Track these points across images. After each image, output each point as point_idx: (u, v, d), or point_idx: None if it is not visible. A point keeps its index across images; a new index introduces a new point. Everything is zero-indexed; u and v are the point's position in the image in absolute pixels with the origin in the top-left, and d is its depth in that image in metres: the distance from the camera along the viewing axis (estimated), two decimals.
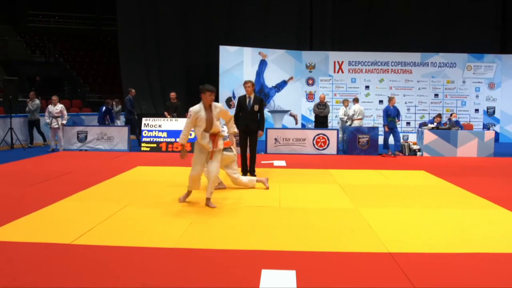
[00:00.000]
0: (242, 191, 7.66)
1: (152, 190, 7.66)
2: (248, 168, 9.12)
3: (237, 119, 9.03)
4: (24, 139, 14.59)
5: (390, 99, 13.62)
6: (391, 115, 13.32)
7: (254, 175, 9.01)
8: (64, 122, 13.56)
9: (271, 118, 17.86)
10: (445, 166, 10.89)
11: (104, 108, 16.16)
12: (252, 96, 8.93)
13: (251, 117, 8.84)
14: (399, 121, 13.80)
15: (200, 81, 20.32)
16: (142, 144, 13.76)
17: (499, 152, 13.66)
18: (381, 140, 13.77)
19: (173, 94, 14.62)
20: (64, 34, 29.41)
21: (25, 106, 15.22)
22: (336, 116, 17.94)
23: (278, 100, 18.38)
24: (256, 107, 8.84)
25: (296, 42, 20.06)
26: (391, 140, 13.56)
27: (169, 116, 14.16)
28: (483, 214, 6.30)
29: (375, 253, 4.56)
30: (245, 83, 9.04)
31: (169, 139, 13.63)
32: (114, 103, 17.20)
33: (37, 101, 14.69)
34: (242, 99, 9.01)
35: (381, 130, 13.94)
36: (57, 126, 13.39)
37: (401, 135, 14.12)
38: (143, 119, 14.12)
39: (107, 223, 5.55)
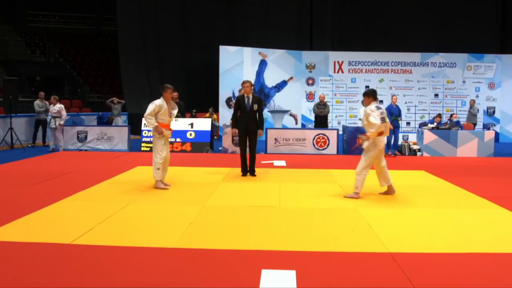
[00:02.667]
0: (242, 191, 7.66)
1: (152, 190, 7.65)
2: (248, 168, 9.15)
3: (236, 119, 9.05)
4: (26, 139, 14.58)
5: (392, 98, 13.69)
6: (393, 114, 13.26)
7: (254, 175, 9.07)
8: (62, 122, 13.51)
9: (271, 118, 17.86)
10: (445, 166, 10.89)
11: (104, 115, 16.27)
12: (251, 96, 8.98)
13: (250, 117, 8.90)
14: (401, 119, 13.77)
15: (200, 81, 20.36)
16: (142, 144, 13.75)
17: (499, 152, 13.66)
18: None
19: (175, 94, 14.60)
20: (64, 34, 29.41)
21: (25, 106, 15.22)
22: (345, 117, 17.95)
23: (278, 100, 18.39)
24: (255, 107, 8.91)
25: (296, 42, 20.08)
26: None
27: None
28: (483, 214, 6.30)
29: (375, 253, 4.56)
30: (244, 83, 9.08)
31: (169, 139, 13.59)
32: (116, 101, 17.19)
33: (47, 102, 14.82)
34: (240, 99, 9.04)
35: None
36: (54, 126, 13.37)
37: (400, 135, 14.08)
38: (143, 119, 14.09)
39: (107, 223, 5.55)
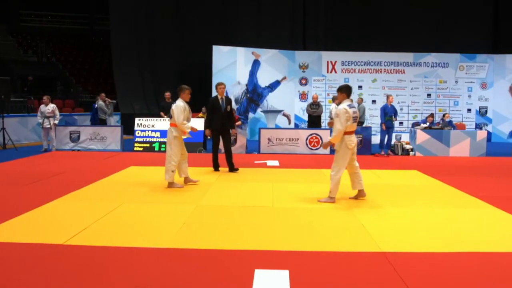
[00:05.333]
0: (235, 191, 7.66)
1: (145, 190, 7.64)
2: (219, 165, 9.70)
3: (210, 120, 9.50)
4: (18, 139, 14.51)
5: (388, 97, 13.61)
6: (388, 114, 13.26)
7: (235, 170, 9.56)
8: (56, 122, 13.51)
9: (264, 118, 17.87)
10: (437, 166, 10.93)
11: (96, 105, 16.26)
12: (224, 97, 9.43)
13: (225, 117, 9.37)
14: (396, 119, 13.74)
15: (194, 81, 20.36)
16: (135, 144, 13.71)
17: (491, 151, 13.73)
18: (374, 140, 13.77)
19: (168, 94, 14.61)
20: (57, 34, 29.28)
21: (18, 106, 15.14)
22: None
23: (271, 100, 18.39)
24: (229, 107, 9.41)
25: (289, 42, 20.07)
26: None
27: (166, 116, 14.13)
28: (475, 213, 6.34)
29: (368, 253, 4.58)
30: (220, 84, 9.49)
31: (162, 139, 13.58)
32: (108, 101, 17.15)
33: (101, 102, 15.59)
34: (215, 100, 9.45)
35: (374, 130, 13.95)
36: (49, 126, 13.33)
37: (393, 134, 14.08)
38: (136, 119, 14.10)
39: (100, 223, 5.54)
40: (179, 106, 7.76)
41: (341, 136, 6.59)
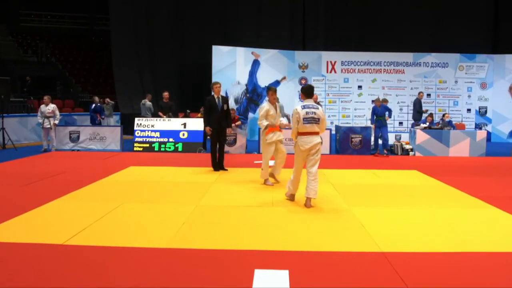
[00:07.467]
0: (235, 191, 7.66)
1: (145, 190, 7.64)
2: (218, 163, 9.73)
3: (208, 118, 9.52)
4: (17, 139, 14.51)
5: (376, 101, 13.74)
6: (377, 114, 13.27)
7: (226, 169, 9.73)
8: (57, 122, 13.49)
9: None
10: (437, 166, 10.93)
11: (93, 105, 16.26)
12: (220, 97, 9.55)
13: (222, 116, 9.46)
14: (389, 118, 13.64)
15: (193, 81, 20.23)
16: (135, 144, 13.70)
17: (491, 151, 13.72)
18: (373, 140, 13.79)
19: (166, 94, 14.58)
20: (57, 34, 29.25)
21: (17, 106, 15.14)
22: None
23: None
24: (225, 106, 9.50)
25: (289, 42, 20.05)
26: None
27: (164, 116, 14.12)
28: (475, 213, 6.34)
29: (368, 253, 4.58)
30: (216, 83, 9.69)
31: (162, 139, 13.58)
32: (107, 101, 17.19)
33: (149, 102, 16.02)
34: (212, 99, 9.53)
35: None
36: (49, 126, 13.31)
37: (393, 134, 14.01)
38: (136, 119, 14.09)
39: (99, 223, 5.54)
40: (260, 107, 8.32)
41: (295, 136, 6.71)
